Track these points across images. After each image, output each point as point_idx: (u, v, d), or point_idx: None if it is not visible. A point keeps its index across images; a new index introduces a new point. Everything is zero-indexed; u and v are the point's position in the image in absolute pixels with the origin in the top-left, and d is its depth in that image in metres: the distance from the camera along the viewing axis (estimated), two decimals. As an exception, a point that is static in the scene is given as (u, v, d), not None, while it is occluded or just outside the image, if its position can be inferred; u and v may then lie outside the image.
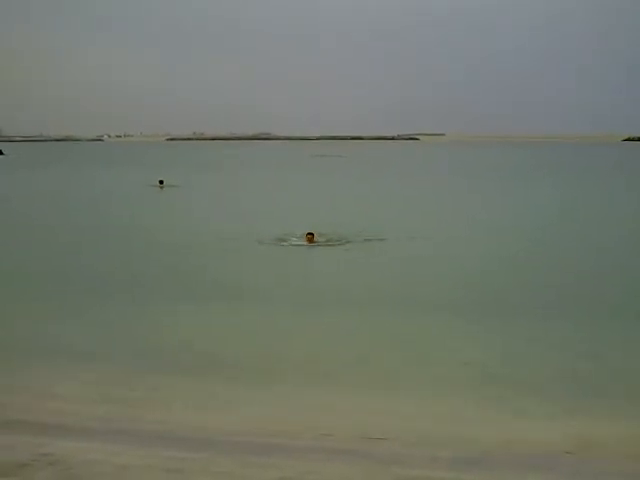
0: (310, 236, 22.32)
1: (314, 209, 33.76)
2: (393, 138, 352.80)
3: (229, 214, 33.68)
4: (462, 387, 10.51)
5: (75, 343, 12.91)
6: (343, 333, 13.30)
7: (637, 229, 28.75)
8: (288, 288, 17.20)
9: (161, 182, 49.88)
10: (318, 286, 17.52)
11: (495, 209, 36.75)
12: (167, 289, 17.25)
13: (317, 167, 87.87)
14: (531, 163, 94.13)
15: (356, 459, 8.01)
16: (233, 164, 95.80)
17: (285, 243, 22.50)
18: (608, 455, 8.31)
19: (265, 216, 32.16)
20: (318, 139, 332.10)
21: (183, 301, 15.84)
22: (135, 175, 64.55)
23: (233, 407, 9.80)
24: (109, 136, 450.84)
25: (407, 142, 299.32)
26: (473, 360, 11.71)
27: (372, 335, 13.24)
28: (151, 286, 17.63)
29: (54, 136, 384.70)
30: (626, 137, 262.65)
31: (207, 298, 16.12)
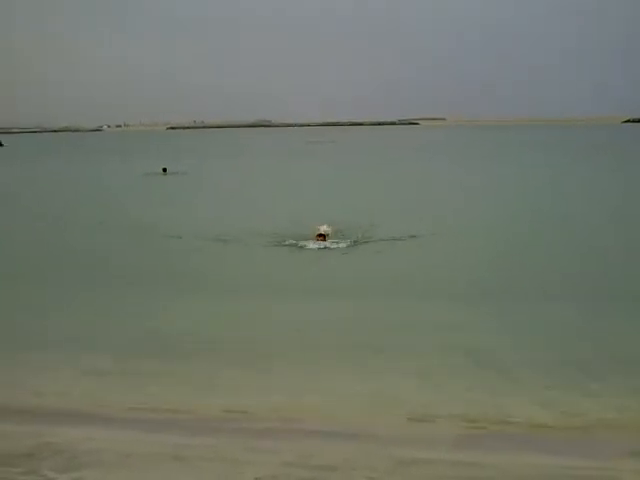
0: (321, 238, 20.66)
1: (317, 200, 33.32)
2: (393, 123, 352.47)
3: (230, 204, 33.61)
4: (463, 369, 10.55)
5: (76, 332, 12.96)
6: (343, 322, 13.29)
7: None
8: (290, 282, 16.97)
9: (164, 170, 50.26)
10: (324, 282, 17.14)
11: (504, 193, 36.37)
12: (165, 279, 17.22)
13: (308, 154, 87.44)
14: (535, 145, 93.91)
15: (357, 442, 8.08)
16: (234, 151, 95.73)
17: (292, 241, 20.94)
18: (609, 434, 8.36)
19: (265, 205, 32.13)
20: (318, 125, 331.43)
21: (183, 292, 15.77)
22: (137, 163, 64.62)
23: (236, 393, 9.84)
24: (108, 126, 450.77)
25: (407, 127, 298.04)
26: (474, 343, 11.76)
27: (371, 323, 13.22)
28: (149, 276, 17.63)
29: (52, 127, 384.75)
30: (626, 119, 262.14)
31: (208, 290, 16.04)
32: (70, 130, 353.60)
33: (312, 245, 20.43)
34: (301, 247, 20.41)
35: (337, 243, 20.73)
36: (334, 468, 7.35)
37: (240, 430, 8.53)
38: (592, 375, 10.24)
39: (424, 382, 10.09)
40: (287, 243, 20.94)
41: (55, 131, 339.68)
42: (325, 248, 20.14)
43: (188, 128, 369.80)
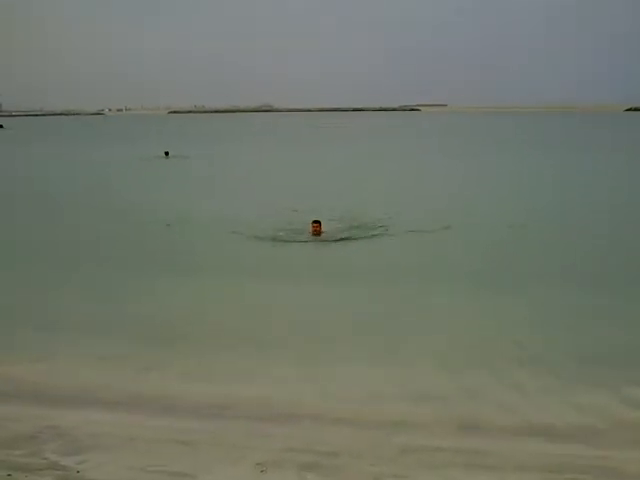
0: (316, 225, 19.74)
1: (323, 187, 32.59)
2: (395, 109, 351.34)
3: (230, 191, 33.34)
4: (467, 357, 10.54)
5: (80, 316, 12.93)
6: (344, 310, 13.30)
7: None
8: (291, 270, 16.78)
9: (166, 153, 50.43)
10: (325, 271, 16.81)
11: (516, 184, 35.27)
12: (168, 265, 17.13)
13: (318, 136, 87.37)
14: (537, 134, 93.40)
15: (361, 429, 8.07)
16: (236, 136, 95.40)
17: (290, 230, 20.38)
18: (612, 424, 8.33)
19: (264, 190, 31.96)
20: (320, 111, 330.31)
21: (186, 279, 15.65)
22: (140, 147, 64.54)
23: (240, 378, 9.83)
24: (110, 110, 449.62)
25: (408, 113, 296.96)
26: (478, 332, 11.75)
27: (374, 310, 13.17)
28: (152, 261, 17.58)
29: (54, 110, 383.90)
30: (628, 107, 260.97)
31: (211, 277, 15.96)
32: (72, 114, 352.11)
33: (308, 236, 19.74)
34: (299, 237, 19.86)
35: (335, 234, 20.04)
36: (337, 454, 7.35)
37: (243, 416, 8.51)
38: (597, 365, 10.20)
39: (428, 370, 10.07)
40: (285, 231, 20.43)
41: (56, 114, 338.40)
42: (323, 240, 19.57)
43: (189, 112, 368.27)
